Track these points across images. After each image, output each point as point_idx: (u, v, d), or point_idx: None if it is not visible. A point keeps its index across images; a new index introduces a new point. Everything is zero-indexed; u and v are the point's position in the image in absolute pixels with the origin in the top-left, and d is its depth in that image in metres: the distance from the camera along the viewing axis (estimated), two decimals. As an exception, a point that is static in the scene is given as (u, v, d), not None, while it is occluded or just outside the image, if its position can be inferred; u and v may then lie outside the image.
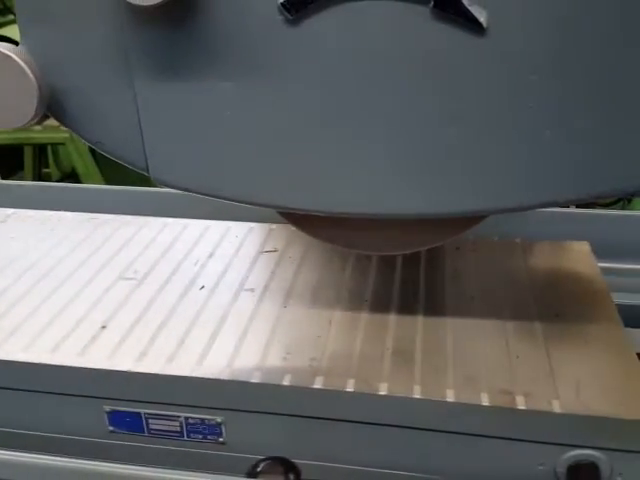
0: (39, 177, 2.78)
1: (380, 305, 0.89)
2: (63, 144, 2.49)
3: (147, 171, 0.72)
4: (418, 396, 0.73)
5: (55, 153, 2.98)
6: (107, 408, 0.79)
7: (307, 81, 0.64)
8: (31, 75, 0.65)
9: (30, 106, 0.67)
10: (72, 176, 2.72)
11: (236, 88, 0.65)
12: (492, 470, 0.74)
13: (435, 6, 0.58)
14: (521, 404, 0.71)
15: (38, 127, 2.66)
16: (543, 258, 1.00)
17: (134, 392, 0.78)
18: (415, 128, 0.65)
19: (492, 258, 1.00)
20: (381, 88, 0.63)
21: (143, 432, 0.79)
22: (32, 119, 0.68)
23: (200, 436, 0.78)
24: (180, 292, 0.92)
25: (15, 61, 0.65)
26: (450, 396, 0.72)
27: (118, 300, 0.90)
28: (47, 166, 2.97)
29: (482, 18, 0.58)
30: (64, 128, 2.85)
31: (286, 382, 0.74)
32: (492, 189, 0.67)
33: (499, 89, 0.62)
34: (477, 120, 0.63)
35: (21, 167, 2.84)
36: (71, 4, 0.66)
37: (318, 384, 0.74)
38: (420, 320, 0.86)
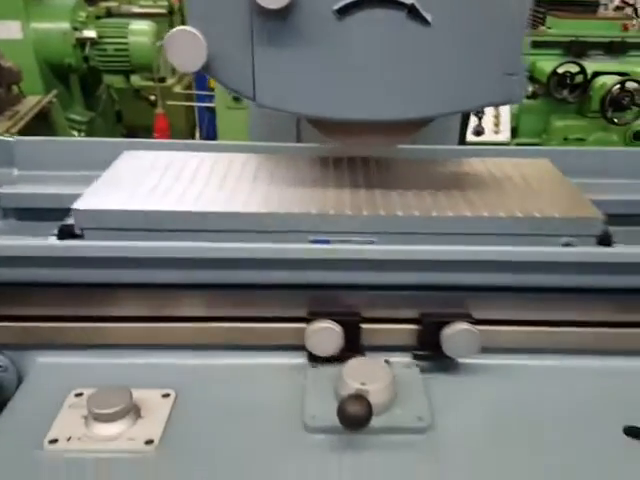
0: None
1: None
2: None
3: (254, 99, 1.32)
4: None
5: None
6: None
7: (345, 45, 1.30)
8: (203, 41, 1.24)
9: (201, 58, 1.24)
10: None
11: (311, 50, 1.29)
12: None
13: (408, 12, 1.28)
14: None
15: None
16: (517, 167, 1.72)
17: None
18: (392, 67, 1.33)
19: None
20: (376, 48, 1.31)
21: None
22: (200, 67, 1.25)
23: None
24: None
25: (196, 35, 1.23)
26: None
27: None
28: None
29: (429, 17, 1.29)
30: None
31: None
32: (425, 102, 1.38)
33: (431, 45, 1.33)
34: (417, 60, 1.33)
35: None
36: (220, 7, 1.26)
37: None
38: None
